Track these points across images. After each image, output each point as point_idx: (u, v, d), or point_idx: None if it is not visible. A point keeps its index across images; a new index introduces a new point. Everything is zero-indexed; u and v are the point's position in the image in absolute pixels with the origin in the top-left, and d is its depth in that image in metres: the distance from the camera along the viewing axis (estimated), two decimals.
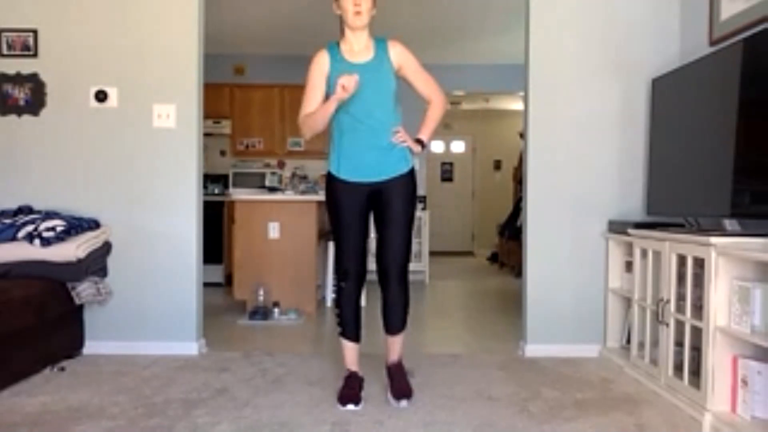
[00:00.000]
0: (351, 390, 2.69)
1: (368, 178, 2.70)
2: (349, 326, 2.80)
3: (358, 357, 2.84)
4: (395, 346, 2.82)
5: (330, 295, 5.13)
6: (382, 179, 2.70)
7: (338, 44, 2.73)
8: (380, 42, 2.73)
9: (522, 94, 3.68)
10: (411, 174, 2.75)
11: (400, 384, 2.72)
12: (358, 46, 2.69)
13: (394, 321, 2.77)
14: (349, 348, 2.82)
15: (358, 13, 2.61)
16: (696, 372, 2.59)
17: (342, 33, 2.74)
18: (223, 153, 7.20)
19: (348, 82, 2.46)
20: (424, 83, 2.77)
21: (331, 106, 2.56)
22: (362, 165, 2.69)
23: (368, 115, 2.65)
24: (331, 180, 2.78)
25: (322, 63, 2.69)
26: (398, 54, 2.71)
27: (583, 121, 3.52)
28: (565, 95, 3.52)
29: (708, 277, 2.47)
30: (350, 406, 2.60)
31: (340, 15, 2.68)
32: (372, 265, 2.73)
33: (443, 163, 10.75)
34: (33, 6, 3.50)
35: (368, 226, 2.79)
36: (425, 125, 2.81)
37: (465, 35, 6.32)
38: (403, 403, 2.64)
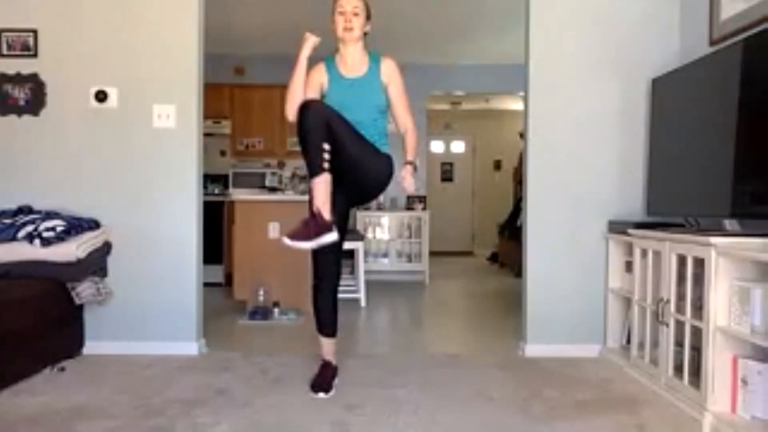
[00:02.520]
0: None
1: None
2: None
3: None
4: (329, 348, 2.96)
5: None
6: None
7: (333, 58, 2.81)
8: (374, 57, 2.81)
9: (522, 94, 3.68)
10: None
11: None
12: (351, 61, 2.78)
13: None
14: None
15: (348, 29, 2.71)
16: (696, 372, 2.59)
17: (337, 48, 2.82)
18: (223, 153, 7.19)
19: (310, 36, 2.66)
20: (402, 108, 2.84)
21: (301, 57, 2.71)
22: None
23: (362, 121, 2.71)
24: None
25: (319, 74, 2.79)
26: (388, 70, 2.79)
27: (583, 121, 3.52)
28: (565, 95, 3.52)
29: (708, 277, 2.47)
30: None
31: (333, 30, 2.76)
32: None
33: (443, 163, 10.74)
34: (33, 6, 3.49)
35: (346, 223, 2.87)
36: (409, 150, 2.83)
37: (465, 35, 6.32)
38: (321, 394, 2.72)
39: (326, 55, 2.85)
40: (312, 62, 2.82)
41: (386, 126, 2.83)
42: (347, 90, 2.75)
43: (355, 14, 2.71)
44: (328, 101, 2.73)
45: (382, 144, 2.78)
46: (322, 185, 2.53)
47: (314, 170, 2.53)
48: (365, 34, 2.81)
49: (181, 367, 3.21)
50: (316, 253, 2.74)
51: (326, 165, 2.52)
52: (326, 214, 2.51)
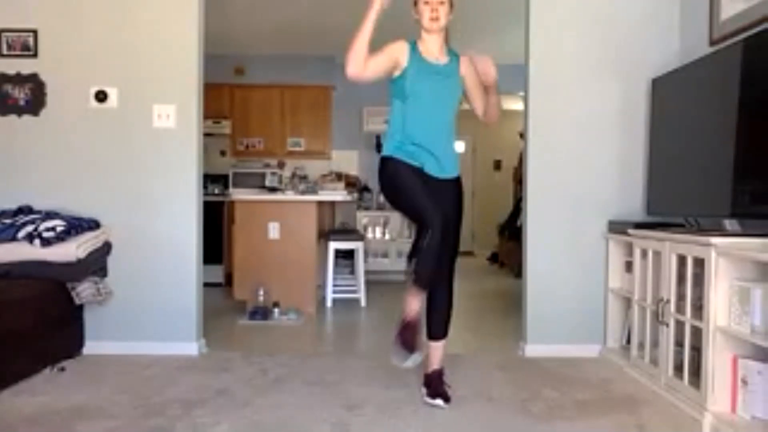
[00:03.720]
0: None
1: (426, 169, 2.69)
2: (425, 272, 2.61)
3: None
4: (435, 353, 2.81)
5: (330, 295, 5.14)
6: (438, 176, 2.70)
7: (416, 43, 2.75)
8: (453, 52, 2.79)
9: (522, 94, 3.68)
10: (459, 180, 2.79)
11: (437, 388, 2.71)
12: (434, 49, 2.73)
13: (435, 327, 2.80)
14: (417, 298, 2.64)
15: (434, 18, 2.66)
16: (696, 372, 2.59)
17: (420, 36, 2.76)
18: (223, 153, 7.19)
19: None
20: (481, 98, 2.81)
21: (370, 13, 2.56)
22: (423, 155, 2.68)
23: (437, 112, 2.69)
24: (388, 162, 2.70)
25: (399, 49, 2.68)
26: (465, 65, 2.77)
27: (583, 121, 3.52)
28: (565, 95, 3.52)
29: (708, 277, 2.47)
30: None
31: (417, 19, 2.72)
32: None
33: None
34: (33, 6, 3.49)
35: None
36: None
37: (465, 35, 6.31)
38: (438, 401, 2.65)
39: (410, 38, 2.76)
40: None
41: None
42: (431, 74, 2.68)
43: (441, 2, 2.67)
44: (410, 82, 2.64)
45: (455, 152, 2.79)
46: (419, 299, 2.61)
47: (420, 285, 2.58)
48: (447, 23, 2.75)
49: (181, 367, 3.21)
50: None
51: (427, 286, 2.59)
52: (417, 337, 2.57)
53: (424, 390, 2.75)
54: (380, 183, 2.78)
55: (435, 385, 2.72)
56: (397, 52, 2.67)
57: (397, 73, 2.68)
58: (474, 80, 2.77)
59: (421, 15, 2.69)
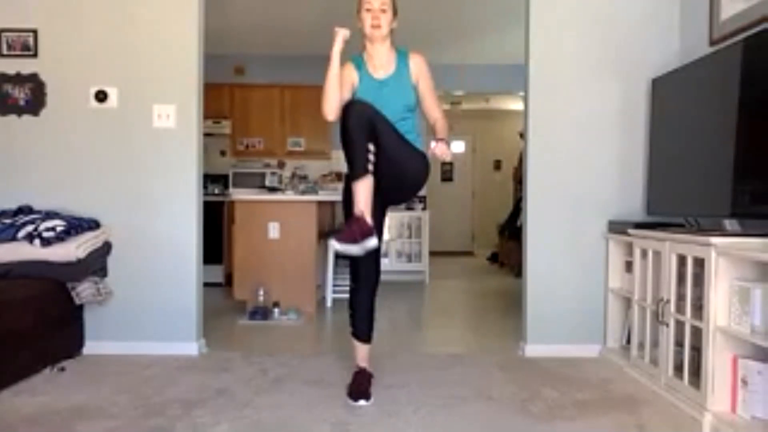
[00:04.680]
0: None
1: None
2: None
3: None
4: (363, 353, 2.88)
5: (330, 295, 5.14)
6: None
7: (362, 57, 2.74)
8: (402, 53, 2.75)
9: (522, 94, 3.68)
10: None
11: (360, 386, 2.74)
12: (379, 60, 2.71)
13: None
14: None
15: (376, 26, 2.64)
16: (696, 372, 2.59)
17: (363, 47, 2.75)
18: (223, 153, 7.20)
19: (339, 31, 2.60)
20: (431, 102, 2.78)
21: (333, 52, 2.61)
22: None
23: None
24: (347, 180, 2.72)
25: (349, 74, 2.69)
26: (417, 66, 2.74)
27: (583, 121, 3.52)
28: (565, 95, 3.52)
29: (708, 277, 2.47)
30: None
31: (360, 28, 2.70)
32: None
33: (443, 163, 10.72)
34: (33, 6, 3.49)
35: (382, 226, 2.78)
36: (439, 131, 2.74)
37: (465, 35, 6.33)
38: (361, 401, 2.65)
39: (352, 54, 2.76)
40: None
41: (416, 123, 2.76)
42: (377, 90, 2.67)
43: (383, 11, 2.65)
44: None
45: (414, 141, 2.72)
46: (365, 187, 2.50)
47: (357, 171, 2.49)
48: (392, 30, 2.73)
49: (181, 367, 3.21)
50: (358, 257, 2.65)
51: (370, 167, 2.48)
52: (368, 218, 2.49)
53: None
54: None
55: (359, 382, 2.76)
56: (349, 76, 2.69)
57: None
58: (425, 86, 2.75)
59: (363, 23, 2.67)
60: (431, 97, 2.78)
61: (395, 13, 2.72)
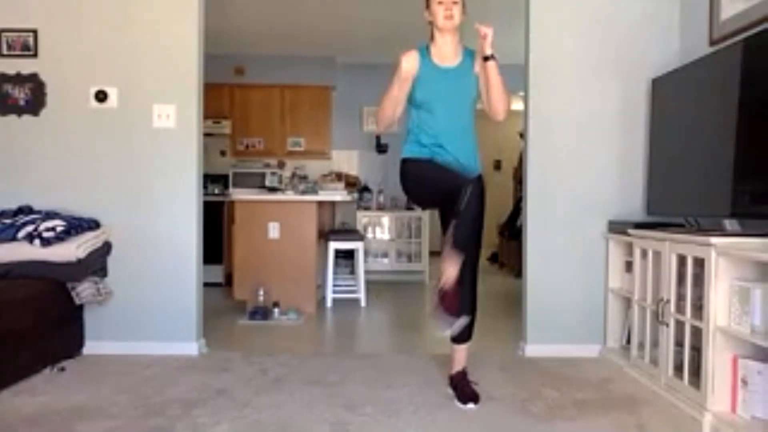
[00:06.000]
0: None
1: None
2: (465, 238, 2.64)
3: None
4: (459, 356, 2.85)
5: (330, 295, 5.14)
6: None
7: (428, 48, 2.75)
8: (468, 50, 2.77)
9: (522, 94, 3.68)
10: (481, 179, 2.75)
11: (464, 389, 2.74)
12: (447, 51, 2.72)
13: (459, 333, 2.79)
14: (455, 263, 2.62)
15: (448, 17, 2.65)
16: (696, 372, 2.59)
17: (432, 38, 2.75)
18: (223, 153, 7.19)
19: (407, 62, 2.60)
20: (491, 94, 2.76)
21: (397, 85, 2.62)
22: (440, 156, 2.69)
23: (451, 115, 2.70)
24: (405, 163, 2.74)
25: (411, 64, 2.66)
26: (480, 62, 2.72)
27: (583, 121, 3.52)
28: (565, 95, 3.52)
29: (708, 277, 2.47)
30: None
31: (430, 21, 2.72)
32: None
33: None
34: (33, 6, 3.49)
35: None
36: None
37: (465, 35, 6.31)
38: (470, 405, 2.64)
39: (418, 43, 2.75)
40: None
41: (475, 138, 2.79)
42: (441, 80, 2.68)
43: (455, 2, 2.67)
44: (420, 90, 2.66)
45: (474, 163, 2.77)
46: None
47: (459, 246, 2.55)
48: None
49: (181, 367, 3.21)
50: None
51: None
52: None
53: (451, 392, 2.78)
54: (402, 185, 2.79)
55: (462, 386, 2.75)
56: (411, 69, 2.64)
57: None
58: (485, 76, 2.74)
59: (435, 15, 2.68)
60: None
61: (464, 4, 2.73)
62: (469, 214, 2.50)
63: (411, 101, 2.71)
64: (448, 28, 2.68)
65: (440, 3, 2.66)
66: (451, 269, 2.52)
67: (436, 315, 2.52)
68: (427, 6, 2.72)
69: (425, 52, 2.73)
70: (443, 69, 2.70)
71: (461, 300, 2.64)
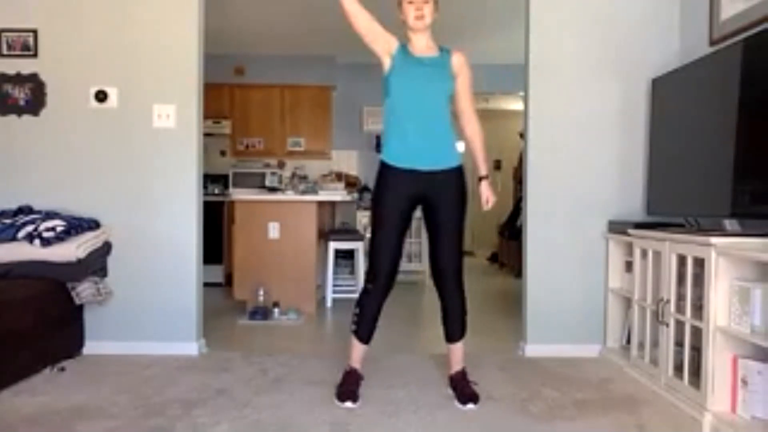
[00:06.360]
0: (350, 387, 2.70)
1: (419, 166, 2.65)
2: (364, 328, 2.76)
3: (363, 356, 2.83)
4: (456, 355, 2.84)
5: (330, 295, 5.14)
6: (434, 168, 2.67)
7: (405, 45, 2.75)
8: (445, 49, 2.77)
9: (522, 94, 3.68)
10: (461, 170, 2.75)
11: (464, 389, 2.73)
12: (420, 45, 2.73)
13: (451, 332, 2.82)
14: (358, 347, 2.79)
15: (419, 17, 2.66)
16: (696, 372, 2.59)
17: (406, 38, 2.75)
18: (223, 153, 7.19)
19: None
20: (468, 101, 2.79)
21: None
22: (414, 150, 2.66)
23: (426, 100, 2.66)
24: (381, 169, 2.74)
25: (392, 40, 2.69)
26: (459, 61, 2.75)
27: (583, 121, 3.52)
28: (565, 95, 3.52)
29: (708, 277, 2.47)
30: (348, 404, 2.61)
31: (403, 20, 2.71)
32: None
33: None
34: (33, 6, 3.49)
35: (407, 227, 2.77)
36: (481, 161, 2.83)
37: (465, 35, 6.31)
38: (470, 405, 2.63)
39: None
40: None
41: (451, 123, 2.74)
42: (416, 65, 2.67)
43: (426, 1, 2.66)
44: (395, 75, 2.65)
45: (452, 145, 2.73)
46: (359, 350, 2.77)
47: (358, 336, 2.76)
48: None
49: (181, 367, 3.21)
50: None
51: (369, 340, 2.77)
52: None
53: (450, 392, 2.78)
54: (374, 187, 2.78)
55: (461, 386, 2.74)
56: (390, 41, 2.68)
57: (384, 71, 2.70)
58: (463, 82, 2.76)
59: (405, 15, 2.68)
60: (467, 96, 2.78)
61: (436, 3, 2.72)
62: (375, 296, 2.74)
63: (386, 89, 2.69)
64: (419, 27, 2.68)
65: (410, 2, 2.66)
66: (355, 352, 2.78)
67: (337, 393, 2.71)
68: (399, 5, 2.71)
69: (403, 47, 2.73)
70: (419, 57, 2.70)
71: (451, 329, 2.83)
